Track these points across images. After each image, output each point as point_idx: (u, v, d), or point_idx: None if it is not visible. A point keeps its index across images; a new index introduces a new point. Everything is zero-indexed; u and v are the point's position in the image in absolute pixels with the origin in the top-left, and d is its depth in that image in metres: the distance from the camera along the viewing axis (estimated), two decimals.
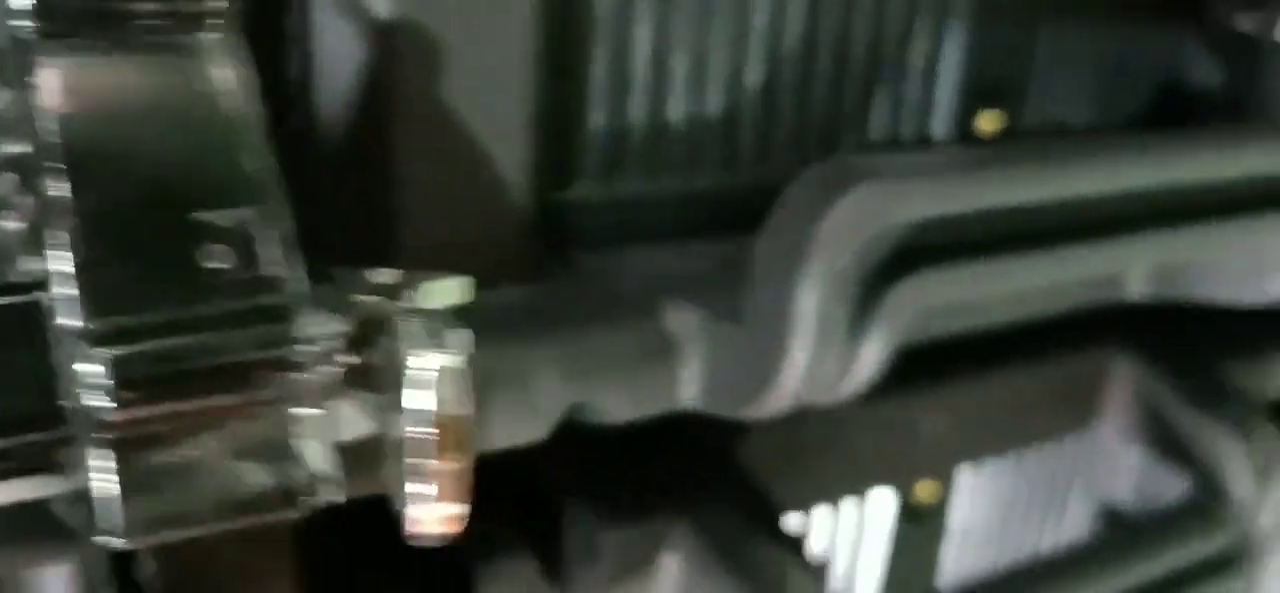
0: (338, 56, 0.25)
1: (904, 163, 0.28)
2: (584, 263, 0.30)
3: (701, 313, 0.27)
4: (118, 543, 0.17)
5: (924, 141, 0.35)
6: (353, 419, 0.20)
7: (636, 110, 0.30)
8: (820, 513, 0.37)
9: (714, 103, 0.31)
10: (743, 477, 0.31)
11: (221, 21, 0.20)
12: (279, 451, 0.18)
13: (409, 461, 0.18)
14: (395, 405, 0.18)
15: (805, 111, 0.33)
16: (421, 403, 0.18)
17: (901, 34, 0.34)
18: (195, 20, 0.20)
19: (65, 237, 0.17)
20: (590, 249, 0.30)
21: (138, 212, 0.18)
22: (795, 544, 0.31)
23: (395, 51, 0.25)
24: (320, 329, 0.18)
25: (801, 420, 0.29)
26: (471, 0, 0.25)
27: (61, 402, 0.18)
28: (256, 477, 0.18)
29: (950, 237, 0.26)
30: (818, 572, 0.30)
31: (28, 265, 0.19)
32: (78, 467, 0.18)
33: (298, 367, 0.18)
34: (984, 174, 0.26)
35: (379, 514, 0.20)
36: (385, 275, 0.20)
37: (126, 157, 0.19)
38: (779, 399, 0.26)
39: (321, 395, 0.18)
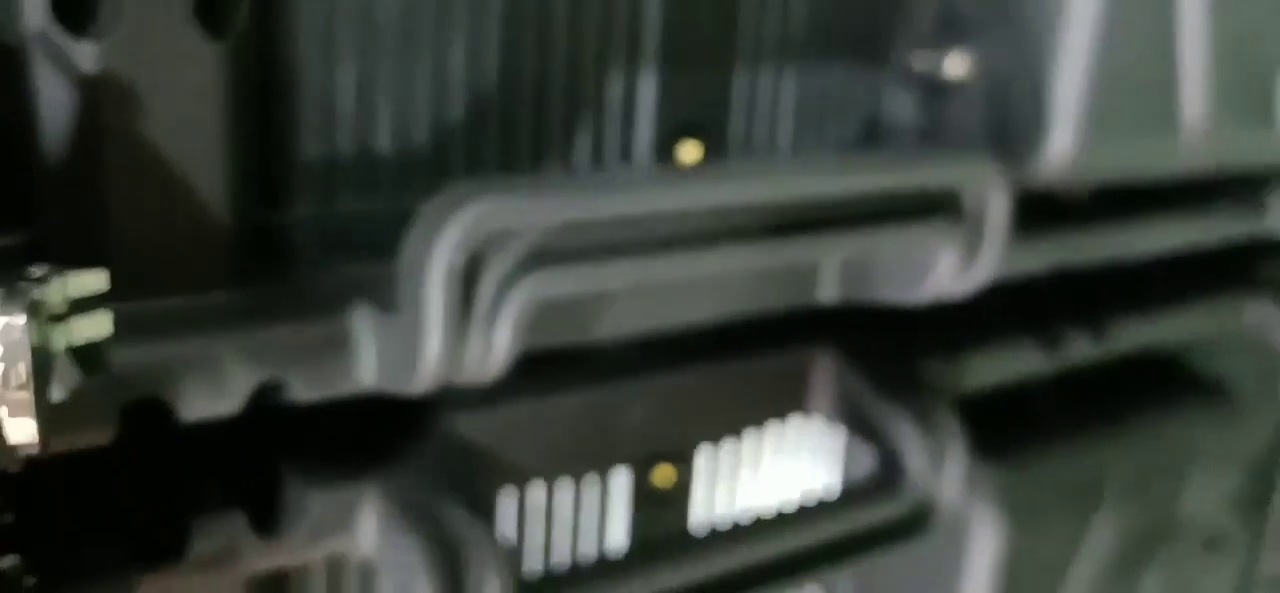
0: (55, 102, 0.31)
1: (530, 183, 0.33)
2: (299, 274, 0.35)
3: (375, 309, 0.32)
4: None
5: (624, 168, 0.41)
6: None
7: (346, 140, 0.36)
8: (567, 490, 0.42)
9: (421, 133, 0.37)
10: (450, 450, 0.36)
11: None
12: None
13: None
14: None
15: (510, 140, 0.38)
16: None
17: (598, 73, 0.39)
18: None
19: None
20: (309, 262, 0.35)
21: None
22: (485, 513, 0.36)
23: (100, 98, 0.30)
24: None
25: (513, 403, 0.34)
26: (165, 54, 0.31)
27: None
28: None
29: (577, 242, 0.32)
30: (491, 534, 0.35)
31: None
32: None
33: None
34: (590, 191, 0.31)
35: (99, 476, 0.25)
36: (39, 270, 0.25)
37: None
38: (426, 378, 0.31)
39: None
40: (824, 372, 0.44)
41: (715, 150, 0.42)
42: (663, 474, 0.46)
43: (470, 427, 0.37)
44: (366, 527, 0.34)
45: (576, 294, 0.33)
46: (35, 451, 0.24)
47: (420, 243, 0.30)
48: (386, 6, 0.35)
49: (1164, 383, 0.55)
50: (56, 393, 0.24)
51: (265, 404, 0.31)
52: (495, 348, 0.31)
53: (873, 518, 0.41)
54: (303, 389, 0.32)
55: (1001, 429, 0.49)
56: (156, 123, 0.31)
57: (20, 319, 0.23)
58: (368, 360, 0.32)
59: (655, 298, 0.39)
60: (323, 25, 0.34)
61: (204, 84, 0.31)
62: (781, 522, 0.40)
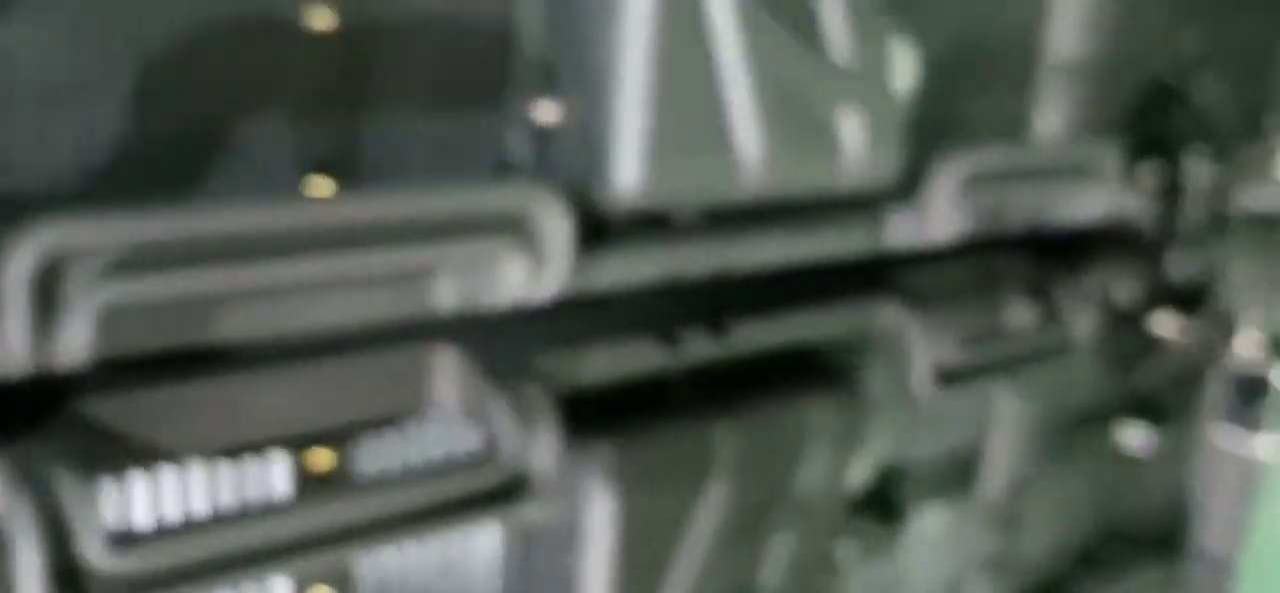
0: None
1: (108, 210, 0.41)
2: None
3: None
4: None
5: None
6: None
7: None
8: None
9: (66, 179, 0.45)
10: (83, 430, 0.44)
11: None
12: None
13: None
14: None
15: (140, 176, 0.46)
16: None
17: (233, 117, 0.47)
18: None
19: None
20: None
21: None
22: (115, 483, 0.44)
23: None
24: None
25: (154, 389, 0.42)
26: None
27: None
28: None
29: (151, 256, 0.40)
30: (94, 503, 0.42)
31: None
32: None
33: None
34: (150, 218, 0.39)
35: None
36: None
37: None
38: (15, 364, 0.39)
39: None
40: (446, 367, 0.52)
41: (349, 186, 0.50)
42: (319, 457, 0.54)
43: (109, 410, 0.45)
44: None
45: (162, 298, 0.41)
46: None
47: (6, 255, 0.38)
48: (27, 66, 0.43)
49: (800, 377, 0.64)
50: None
51: None
52: (71, 341, 0.39)
53: (468, 486, 0.50)
54: None
55: (624, 414, 0.57)
56: None
57: None
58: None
59: (286, 302, 0.47)
60: None
61: None
62: (381, 487, 0.48)
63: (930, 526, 0.83)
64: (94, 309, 0.39)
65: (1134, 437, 0.91)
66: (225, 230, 0.41)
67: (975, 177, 0.65)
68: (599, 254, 0.51)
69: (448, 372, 0.52)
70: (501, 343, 0.53)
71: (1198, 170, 0.74)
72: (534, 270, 0.48)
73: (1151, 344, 0.81)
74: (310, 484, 0.53)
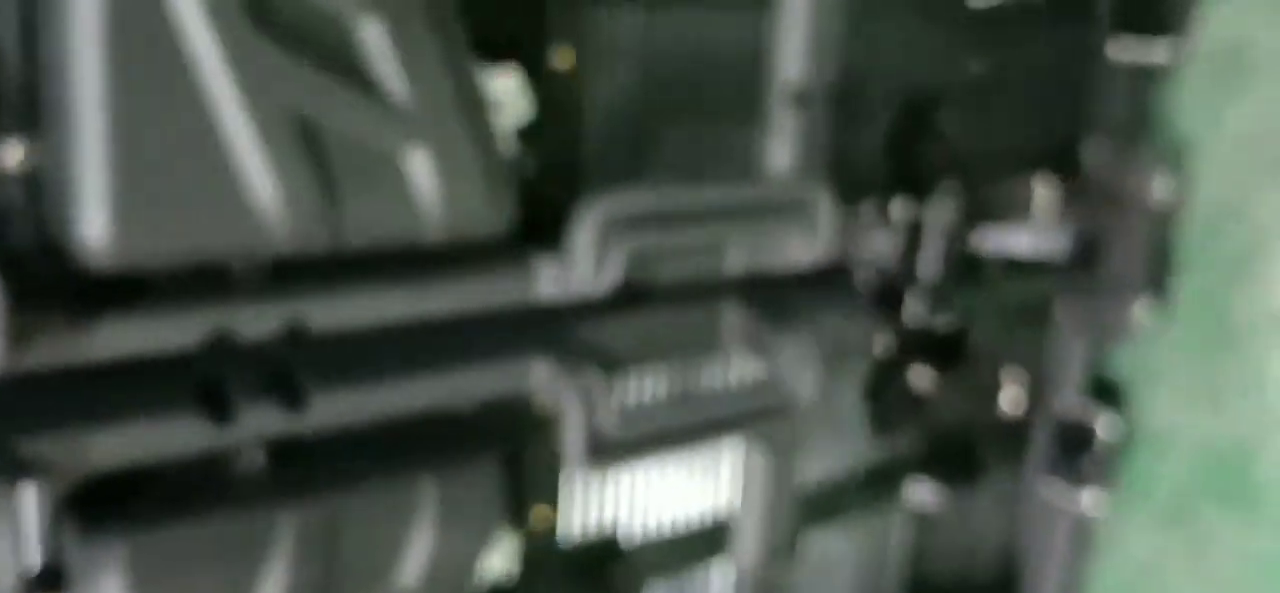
0: None
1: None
2: None
3: None
4: None
5: None
6: None
7: None
8: None
9: None
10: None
11: None
12: None
13: None
14: None
15: None
16: None
17: None
18: None
19: None
20: None
21: None
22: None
23: None
24: None
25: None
26: None
27: None
28: None
29: None
30: None
31: None
32: None
33: None
34: None
35: None
36: None
37: None
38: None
39: None
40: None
41: None
42: None
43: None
44: None
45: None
46: None
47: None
48: None
49: (427, 448, 0.56)
50: None
51: None
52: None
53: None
54: None
55: (155, 503, 0.49)
56: None
57: None
58: None
59: None
60: None
61: None
62: None
63: None
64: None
65: (922, 493, 0.82)
66: None
67: (620, 221, 0.56)
68: (103, 317, 0.43)
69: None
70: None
71: (940, 210, 0.66)
72: None
73: (915, 400, 0.72)
74: None
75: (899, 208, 0.69)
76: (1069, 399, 0.91)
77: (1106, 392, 0.91)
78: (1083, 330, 0.89)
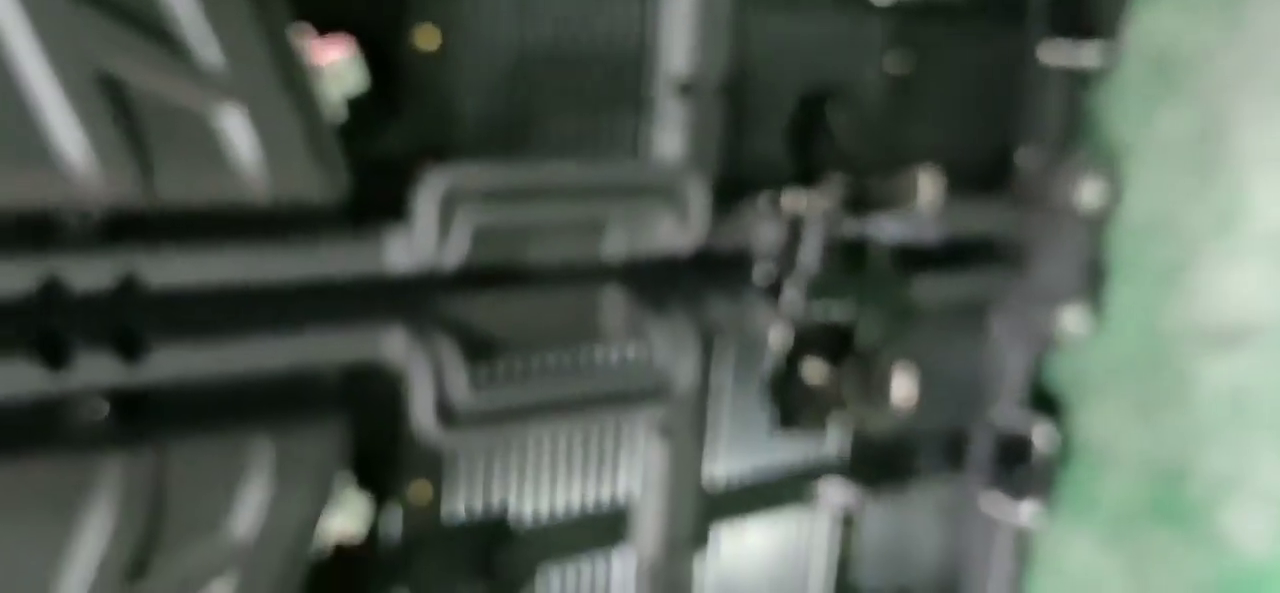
0: None
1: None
2: None
3: None
4: None
5: None
6: None
7: None
8: None
9: None
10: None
11: None
12: None
13: None
14: None
15: None
16: None
17: None
18: None
19: None
20: None
21: None
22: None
23: None
24: None
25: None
26: None
27: None
28: None
29: None
30: None
31: None
32: None
33: None
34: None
35: None
36: None
37: None
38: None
39: None
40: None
41: None
42: None
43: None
44: None
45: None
46: None
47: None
48: None
49: (264, 409, 0.57)
50: None
51: None
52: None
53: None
54: None
55: None
56: None
57: None
58: None
59: None
60: None
61: None
62: None
63: (570, 587, 0.74)
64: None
65: (835, 494, 0.81)
66: None
67: (464, 193, 0.57)
68: None
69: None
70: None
71: (818, 201, 0.65)
72: None
73: (809, 392, 0.71)
74: None
75: (788, 200, 0.68)
76: (1007, 410, 0.89)
77: (1044, 403, 0.89)
78: (1017, 340, 0.87)
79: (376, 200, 0.57)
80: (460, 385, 0.59)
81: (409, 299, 0.59)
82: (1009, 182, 0.84)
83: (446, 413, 0.59)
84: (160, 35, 0.48)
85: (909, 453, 0.85)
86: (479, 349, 0.61)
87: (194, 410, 0.55)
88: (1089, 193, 0.81)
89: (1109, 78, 0.83)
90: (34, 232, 0.50)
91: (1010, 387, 0.88)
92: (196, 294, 0.54)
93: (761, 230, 0.69)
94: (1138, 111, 0.81)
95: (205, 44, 0.49)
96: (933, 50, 0.80)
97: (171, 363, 0.54)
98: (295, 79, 0.51)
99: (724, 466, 0.78)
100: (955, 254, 0.83)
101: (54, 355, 0.51)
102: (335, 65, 0.53)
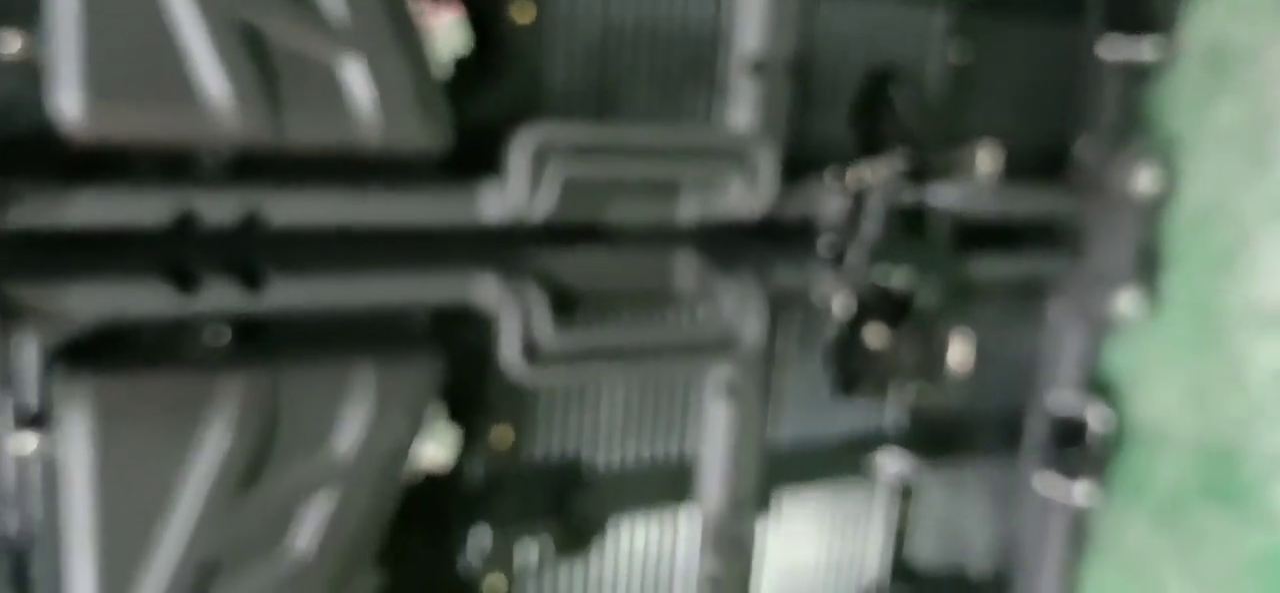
0: None
1: None
2: None
3: None
4: None
5: None
6: None
7: None
8: None
9: None
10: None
11: None
12: None
13: None
14: None
15: None
16: None
17: None
18: None
19: None
20: None
21: None
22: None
23: None
24: None
25: None
26: None
27: None
28: None
29: None
30: None
31: None
32: None
33: None
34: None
35: None
36: None
37: None
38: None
39: None
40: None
41: None
42: None
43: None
44: None
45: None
46: None
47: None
48: None
49: (366, 341, 0.62)
50: None
51: None
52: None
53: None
54: None
55: (124, 352, 0.57)
56: None
57: None
58: None
59: None
60: None
61: None
62: None
63: (638, 536, 0.78)
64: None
65: (890, 465, 0.84)
66: None
67: (554, 148, 0.62)
68: (83, 188, 0.51)
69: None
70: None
71: (880, 171, 0.69)
72: None
73: (870, 360, 0.74)
74: None
75: (852, 173, 0.72)
76: (1062, 392, 0.91)
77: (1099, 386, 0.91)
78: (1073, 324, 0.89)
79: (472, 157, 0.62)
80: (545, 328, 0.63)
81: (500, 248, 0.64)
82: (1067, 171, 0.87)
83: (531, 352, 0.63)
84: None
85: (966, 428, 0.88)
86: (561, 299, 0.66)
87: (305, 338, 0.60)
88: (1144, 181, 0.84)
89: (1165, 71, 0.85)
90: (172, 169, 0.56)
91: (1066, 369, 0.91)
92: (311, 233, 0.59)
93: (826, 202, 0.73)
94: (1193, 103, 0.84)
95: (331, 1, 0.54)
96: (993, 42, 0.83)
97: (287, 294, 0.59)
98: (409, 36, 0.56)
99: (787, 430, 0.82)
100: (1014, 238, 0.86)
101: (185, 281, 0.57)
102: (444, 27, 0.58)
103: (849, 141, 0.77)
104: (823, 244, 0.74)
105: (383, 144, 0.57)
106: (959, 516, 0.95)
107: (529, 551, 0.71)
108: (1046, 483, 0.92)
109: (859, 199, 0.70)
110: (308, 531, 0.59)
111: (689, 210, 0.70)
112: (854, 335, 0.76)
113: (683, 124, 0.72)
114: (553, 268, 0.65)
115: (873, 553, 0.90)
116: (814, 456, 0.84)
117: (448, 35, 0.59)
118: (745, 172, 0.68)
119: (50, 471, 0.58)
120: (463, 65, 0.60)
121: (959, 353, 0.69)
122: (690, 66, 0.72)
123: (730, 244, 0.71)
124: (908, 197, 0.71)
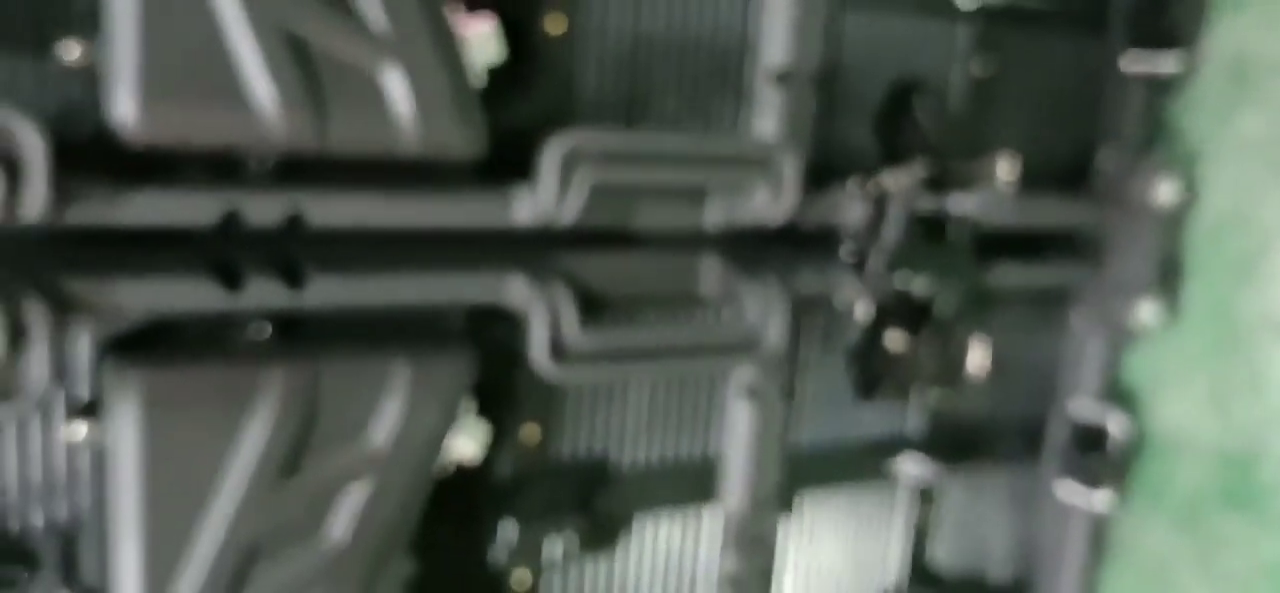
0: None
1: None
2: None
3: None
4: None
5: None
6: None
7: None
8: None
9: None
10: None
11: None
12: None
13: None
14: None
15: None
16: None
17: None
18: None
19: None
20: None
21: None
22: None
23: None
24: None
25: None
26: None
27: None
28: None
29: None
30: None
31: None
32: None
33: None
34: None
35: None
36: None
37: None
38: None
39: None
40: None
41: None
42: None
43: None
44: None
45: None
46: None
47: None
48: None
49: (402, 337, 0.65)
50: None
51: None
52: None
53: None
54: None
55: (172, 345, 0.60)
56: None
57: None
58: None
59: None
60: None
61: None
62: None
63: (662, 534, 0.81)
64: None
65: (911, 469, 0.86)
66: None
67: (583, 153, 0.64)
68: (137, 188, 0.54)
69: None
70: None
71: (900, 179, 0.70)
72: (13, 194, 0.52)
73: (891, 363, 0.76)
74: None
75: (874, 182, 0.74)
76: (1083, 400, 0.92)
77: (1120, 393, 0.92)
78: (1094, 332, 0.91)
79: (505, 162, 0.65)
80: (573, 328, 0.66)
81: (531, 251, 0.66)
82: (1089, 182, 0.88)
83: (560, 351, 0.65)
84: (337, 3, 0.56)
85: (987, 434, 0.90)
86: (589, 300, 0.68)
87: (343, 334, 0.63)
88: (1165, 192, 0.85)
89: (1187, 84, 0.87)
90: (220, 171, 0.59)
91: (1087, 377, 0.92)
92: (351, 233, 0.62)
93: (848, 209, 0.75)
94: (1215, 114, 0.85)
95: (374, 8, 0.57)
96: (1016, 56, 0.85)
97: (327, 292, 0.62)
98: (447, 46, 0.59)
99: (809, 433, 0.84)
100: (1038, 247, 0.88)
101: (230, 279, 0.59)
102: (479, 37, 0.61)
103: (871, 150, 0.79)
104: (845, 250, 0.76)
105: (420, 149, 0.60)
106: (979, 520, 0.96)
107: (555, 545, 0.74)
108: (1067, 489, 0.93)
109: (880, 206, 0.72)
110: (344, 518, 0.61)
111: (714, 216, 0.72)
112: (875, 340, 0.77)
113: (709, 132, 0.74)
114: (581, 270, 0.68)
115: (893, 556, 0.92)
116: (836, 458, 0.86)
117: (483, 46, 0.61)
118: (769, 178, 0.70)
119: (99, 459, 0.61)
120: (497, 74, 0.63)
121: (977, 358, 0.71)
122: (717, 76, 0.74)
123: (754, 249, 0.73)
124: (928, 204, 0.73)
